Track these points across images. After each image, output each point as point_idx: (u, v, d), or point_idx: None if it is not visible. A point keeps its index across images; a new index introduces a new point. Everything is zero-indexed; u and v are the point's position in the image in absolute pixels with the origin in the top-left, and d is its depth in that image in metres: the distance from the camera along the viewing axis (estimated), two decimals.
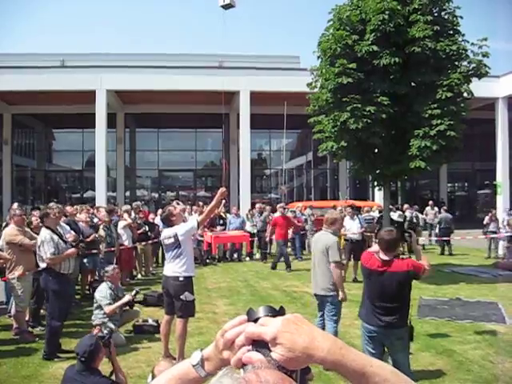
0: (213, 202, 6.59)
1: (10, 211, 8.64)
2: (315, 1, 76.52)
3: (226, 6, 9.47)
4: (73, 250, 7.25)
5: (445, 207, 20.07)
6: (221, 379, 0.94)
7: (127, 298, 7.66)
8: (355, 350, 0.98)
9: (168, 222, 6.57)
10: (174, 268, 6.41)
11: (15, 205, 11.69)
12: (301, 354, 0.92)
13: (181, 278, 6.34)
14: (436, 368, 6.28)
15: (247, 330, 0.97)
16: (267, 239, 16.05)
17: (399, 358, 4.94)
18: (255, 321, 0.99)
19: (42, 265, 6.89)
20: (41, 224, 7.45)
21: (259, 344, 0.95)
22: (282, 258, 14.49)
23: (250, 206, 20.94)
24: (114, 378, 4.60)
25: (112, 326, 7.29)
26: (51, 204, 11.50)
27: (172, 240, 6.39)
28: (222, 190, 6.46)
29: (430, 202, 21.11)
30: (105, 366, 4.73)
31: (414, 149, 12.12)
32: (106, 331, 4.57)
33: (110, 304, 7.42)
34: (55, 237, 6.97)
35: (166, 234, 6.56)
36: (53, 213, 7.22)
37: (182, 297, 6.32)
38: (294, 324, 0.95)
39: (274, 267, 14.62)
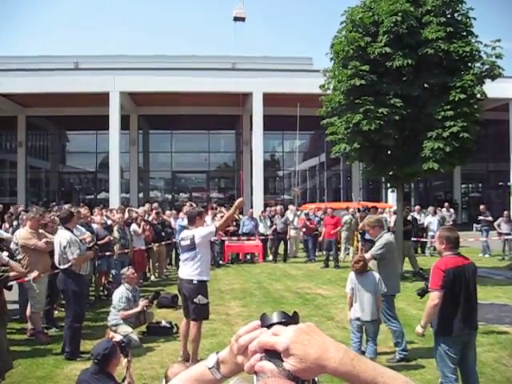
0: (231, 211, 6.90)
1: (30, 213, 8.66)
2: (328, 2, 76.49)
3: (237, 19, 9.65)
4: (91, 252, 7.34)
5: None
6: None
7: (141, 306, 7.75)
8: (367, 360, 0.98)
9: (191, 219, 6.64)
10: (188, 271, 6.46)
11: (34, 208, 11.45)
12: (313, 364, 0.93)
13: (194, 281, 6.39)
14: None
15: (260, 340, 0.98)
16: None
17: (473, 354, 5.26)
18: (268, 326, 1.00)
19: (64, 266, 6.92)
20: (60, 226, 7.48)
21: (272, 353, 0.96)
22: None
23: (262, 208, 20.95)
24: None
25: (128, 328, 7.37)
26: (66, 206, 11.64)
27: (188, 242, 6.45)
28: (239, 200, 6.72)
29: (446, 204, 20.97)
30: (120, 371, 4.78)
31: (426, 150, 12.07)
32: (125, 339, 4.58)
33: (124, 309, 7.52)
34: (77, 238, 7.08)
35: (184, 236, 6.64)
36: (77, 216, 7.31)
37: (195, 300, 6.36)
38: (307, 334, 0.96)
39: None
